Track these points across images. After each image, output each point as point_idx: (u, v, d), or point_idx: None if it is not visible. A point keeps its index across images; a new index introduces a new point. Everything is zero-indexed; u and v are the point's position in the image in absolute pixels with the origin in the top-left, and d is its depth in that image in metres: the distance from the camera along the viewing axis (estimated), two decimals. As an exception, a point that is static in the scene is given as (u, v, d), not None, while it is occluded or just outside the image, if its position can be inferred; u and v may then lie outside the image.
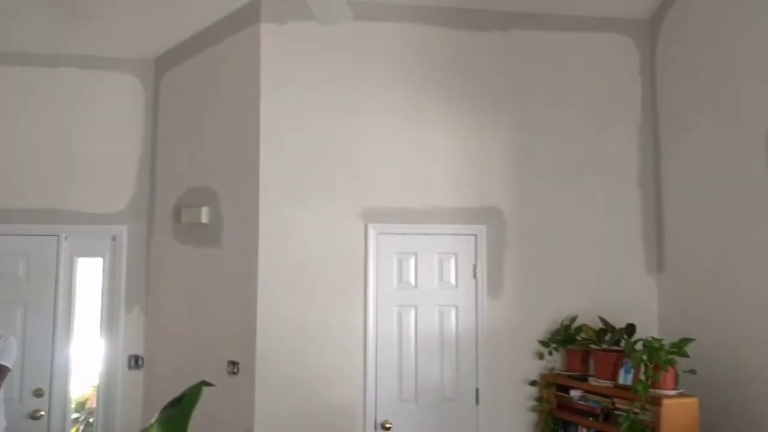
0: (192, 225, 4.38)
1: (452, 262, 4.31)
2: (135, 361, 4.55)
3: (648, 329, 4.21)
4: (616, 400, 3.81)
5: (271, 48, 4.20)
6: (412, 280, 4.25)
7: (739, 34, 3.87)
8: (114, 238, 4.62)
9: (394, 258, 4.24)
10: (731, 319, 3.83)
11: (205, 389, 2.09)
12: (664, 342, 3.67)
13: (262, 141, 4.14)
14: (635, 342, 3.87)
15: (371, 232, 4.19)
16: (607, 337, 4.06)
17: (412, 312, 4.23)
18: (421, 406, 4.17)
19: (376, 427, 4.08)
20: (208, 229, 4.34)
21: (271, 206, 4.11)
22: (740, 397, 3.72)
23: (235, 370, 4.05)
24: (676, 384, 3.61)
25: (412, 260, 4.26)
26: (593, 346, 4.11)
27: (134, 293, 4.60)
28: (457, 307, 4.28)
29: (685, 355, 3.58)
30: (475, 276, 4.31)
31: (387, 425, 4.07)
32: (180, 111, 4.62)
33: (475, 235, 4.33)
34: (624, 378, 3.80)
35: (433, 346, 4.23)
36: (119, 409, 4.50)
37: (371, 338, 4.12)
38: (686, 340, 3.62)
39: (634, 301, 4.40)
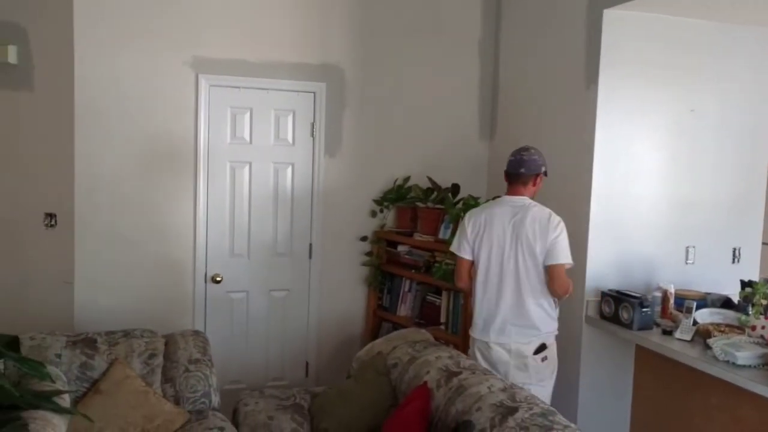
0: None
1: (289, 119, 4.24)
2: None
3: (480, 191, 4.44)
4: (436, 253, 4.06)
5: None
6: (247, 136, 4.16)
7: None
8: None
9: (228, 112, 4.10)
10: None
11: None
12: (480, 200, 3.90)
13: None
14: (458, 201, 4.08)
15: (203, 83, 3.99)
16: (433, 196, 4.25)
17: (246, 168, 4.18)
18: (252, 261, 4.23)
19: (206, 280, 4.12)
20: (17, 71, 3.91)
21: (89, 48, 3.77)
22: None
23: (53, 223, 3.86)
24: (488, 238, 3.87)
25: (247, 115, 4.15)
26: (419, 204, 4.30)
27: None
28: (293, 165, 4.28)
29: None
30: (312, 134, 4.29)
31: (218, 278, 4.12)
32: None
33: (314, 92, 4.26)
34: (444, 233, 4.04)
35: (268, 203, 4.24)
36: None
37: (201, 193, 4.04)
38: (498, 197, 3.85)
39: (467, 164, 4.60)
